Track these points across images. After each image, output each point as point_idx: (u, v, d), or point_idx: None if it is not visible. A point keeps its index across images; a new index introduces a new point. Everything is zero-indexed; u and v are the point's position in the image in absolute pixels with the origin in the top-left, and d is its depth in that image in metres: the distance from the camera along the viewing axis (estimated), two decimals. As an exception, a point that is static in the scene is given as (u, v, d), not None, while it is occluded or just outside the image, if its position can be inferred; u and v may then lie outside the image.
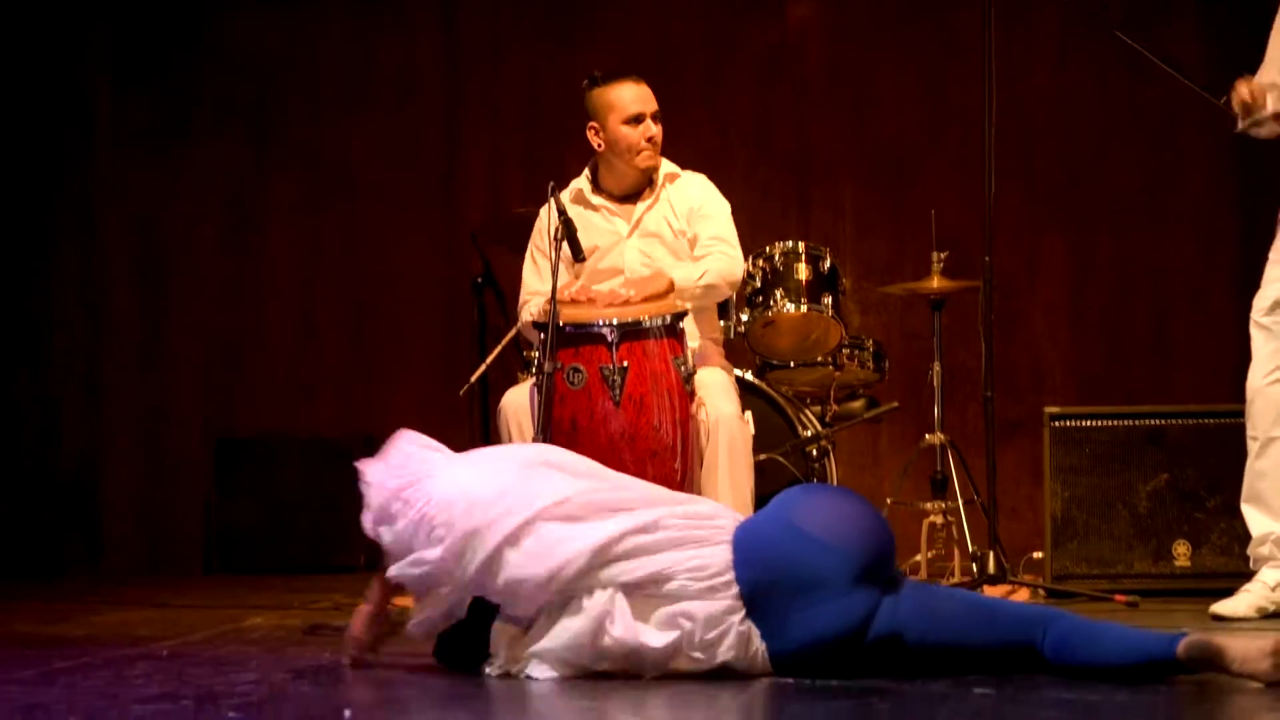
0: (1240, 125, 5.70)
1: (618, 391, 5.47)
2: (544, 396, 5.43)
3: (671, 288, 5.84)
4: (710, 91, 8.67)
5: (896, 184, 8.79)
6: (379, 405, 8.96)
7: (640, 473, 5.43)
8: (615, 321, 5.50)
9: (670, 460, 5.52)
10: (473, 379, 7.57)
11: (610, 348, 5.48)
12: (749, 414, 6.79)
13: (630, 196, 6.23)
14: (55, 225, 9.25)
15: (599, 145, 6.19)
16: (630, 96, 6.15)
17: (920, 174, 8.72)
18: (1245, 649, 3.85)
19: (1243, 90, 5.61)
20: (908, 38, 8.82)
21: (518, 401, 5.86)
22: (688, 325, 5.82)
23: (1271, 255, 5.71)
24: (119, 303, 9.22)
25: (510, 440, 5.82)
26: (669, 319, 5.59)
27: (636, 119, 6.13)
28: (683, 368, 5.57)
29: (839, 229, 8.77)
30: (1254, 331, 5.71)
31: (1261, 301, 5.70)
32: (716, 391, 5.82)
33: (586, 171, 6.30)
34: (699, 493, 5.64)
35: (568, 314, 5.59)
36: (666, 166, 6.24)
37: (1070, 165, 8.69)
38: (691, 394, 5.62)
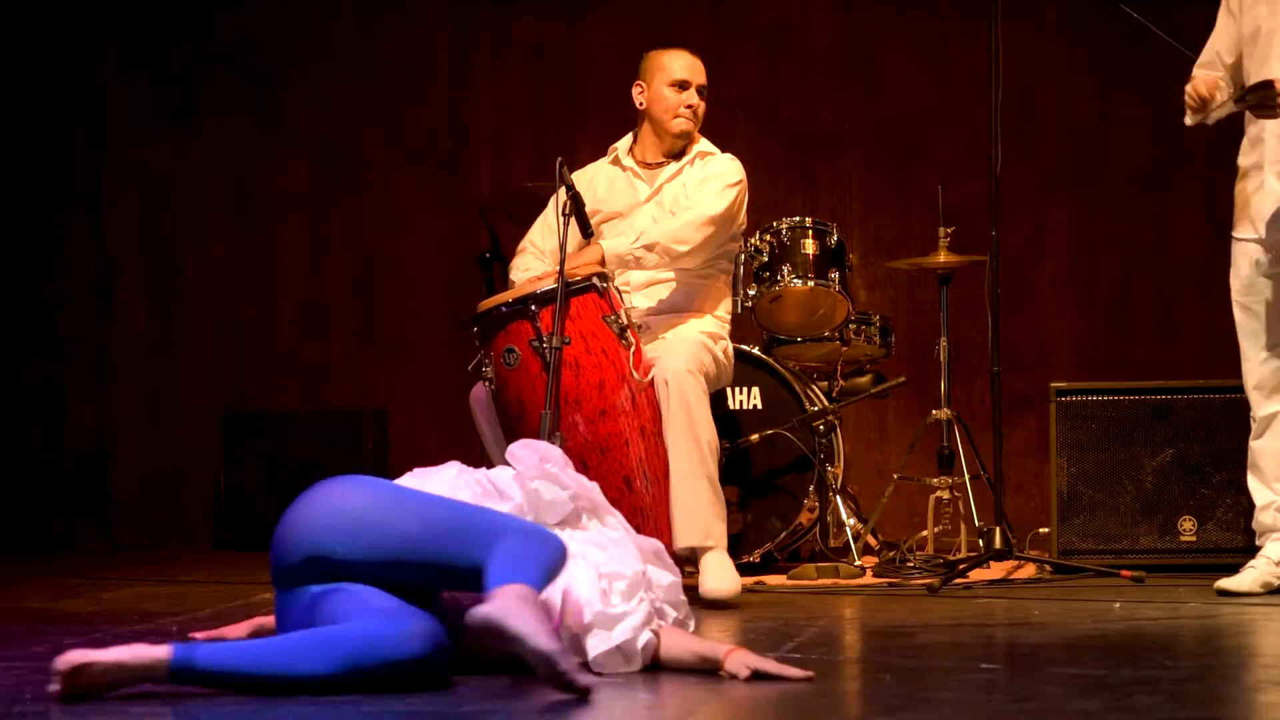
0: (1189, 119, 5.80)
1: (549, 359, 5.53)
2: (551, 372, 5.48)
3: (603, 260, 5.91)
4: (716, 67, 8.65)
5: (903, 159, 8.78)
6: (390, 381, 8.98)
7: (594, 433, 5.51)
8: (537, 293, 5.56)
9: (624, 415, 5.57)
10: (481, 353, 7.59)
11: (533, 320, 5.54)
12: (756, 389, 6.83)
13: (660, 165, 6.30)
14: (64, 208, 9.25)
15: (641, 104, 6.34)
16: (682, 63, 6.33)
17: (927, 149, 8.72)
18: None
19: (1200, 87, 5.70)
20: (913, 12, 8.81)
21: (476, 398, 5.97)
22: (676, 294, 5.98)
23: (1235, 234, 5.78)
24: (128, 285, 9.23)
25: (484, 434, 5.95)
26: (590, 279, 5.64)
27: (682, 85, 6.29)
28: (613, 324, 5.62)
29: (846, 204, 8.77)
30: (1238, 313, 5.75)
31: (1237, 281, 5.75)
32: (670, 349, 5.86)
33: (629, 135, 6.41)
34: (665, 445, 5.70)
35: (503, 297, 5.72)
36: (704, 146, 6.32)
37: (1076, 140, 8.68)
38: (629, 346, 5.64)
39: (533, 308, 5.56)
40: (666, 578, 4.24)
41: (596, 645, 3.92)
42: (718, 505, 5.71)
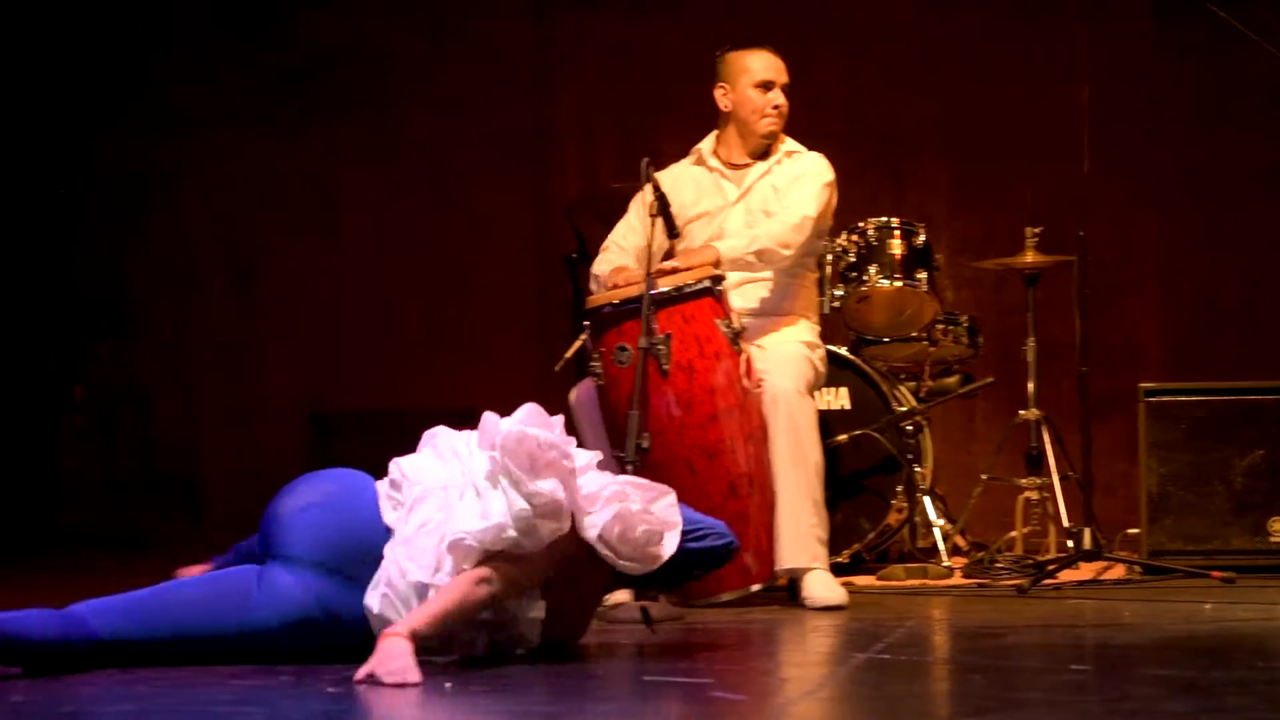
0: None
1: (664, 361, 5.52)
2: (639, 373, 5.48)
3: (718, 261, 5.86)
4: (801, 67, 8.67)
5: (989, 159, 8.75)
6: (474, 382, 9.01)
7: (703, 437, 5.49)
8: (654, 293, 5.54)
9: (734, 420, 5.56)
10: (567, 354, 7.59)
11: (648, 320, 5.51)
12: (844, 390, 6.82)
13: (747, 166, 6.26)
14: (145, 218, 9.35)
15: (725, 107, 6.26)
16: (764, 63, 6.26)
17: (1013, 149, 8.69)
18: None
19: None
20: (999, 12, 8.78)
21: (578, 397, 5.93)
22: (770, 297, 6.02)
23: None
24: (210, 290, 9.31)
25: (583, 433, 5.91)
26: (706, 282, 5.63)
27: (767, 85, 6.22)
28: (727, 329, 5.61)
29: (932, 204, 8.74)
30: None
31: None
32: (780, 365, 5.83)
33: (711, 135, 6.37)
34: (768, 458, 5.67)
35: (612, 295, 5.69)
36: (790, 145, 6.28)
37: (1163, 139, 8.63)
38: (740, 352, 5.64)
39: (650, 307, 5.55)
40: None
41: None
42: (821, 528, 5.71)
